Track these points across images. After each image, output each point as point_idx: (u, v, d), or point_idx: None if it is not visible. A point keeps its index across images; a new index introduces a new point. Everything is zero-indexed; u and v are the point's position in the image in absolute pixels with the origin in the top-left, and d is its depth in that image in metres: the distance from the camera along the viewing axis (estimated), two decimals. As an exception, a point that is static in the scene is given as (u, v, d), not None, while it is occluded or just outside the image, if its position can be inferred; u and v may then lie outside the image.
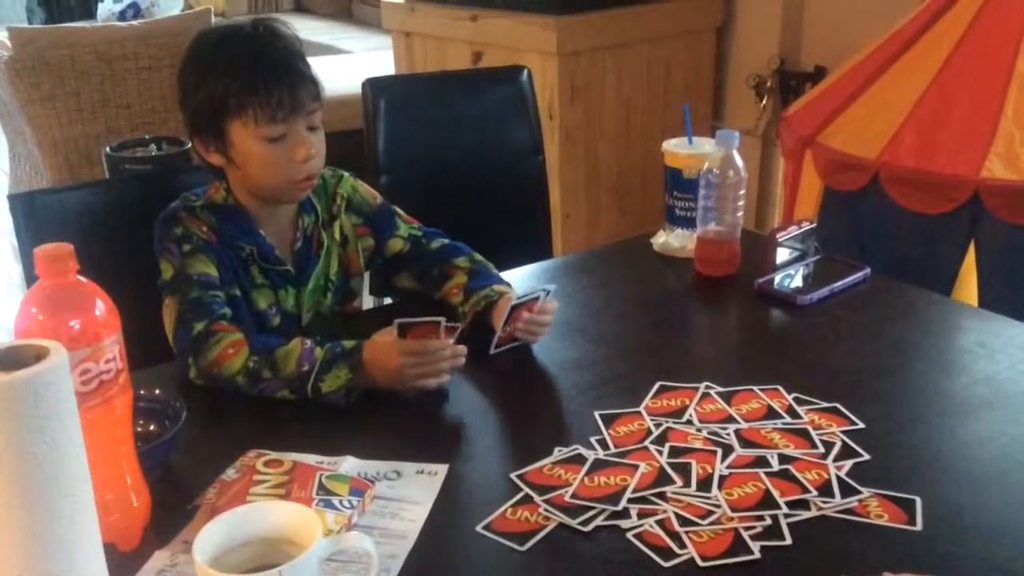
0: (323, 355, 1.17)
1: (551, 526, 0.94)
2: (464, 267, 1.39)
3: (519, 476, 1.01)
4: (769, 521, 0.94)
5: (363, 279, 1.48)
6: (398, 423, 1.15)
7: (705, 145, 1.56)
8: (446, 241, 1.44)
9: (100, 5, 5.60)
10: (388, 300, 1.67)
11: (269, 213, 1.35)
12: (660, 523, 0.94)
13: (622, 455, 1.05)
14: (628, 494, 0.97)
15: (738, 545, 0.91)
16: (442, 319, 1.17)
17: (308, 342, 1.20)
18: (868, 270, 1.49)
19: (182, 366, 1.21)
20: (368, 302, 1.64)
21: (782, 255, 1.50)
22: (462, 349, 1.19)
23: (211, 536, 0.77)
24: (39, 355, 0.73)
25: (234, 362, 1.18)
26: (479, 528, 0.94)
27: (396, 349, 1.16)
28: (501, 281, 1.38)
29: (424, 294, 1.42)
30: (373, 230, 1.43)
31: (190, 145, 1.36)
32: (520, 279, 1.54)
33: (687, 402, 1.14)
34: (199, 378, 1.20)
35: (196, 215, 1.30)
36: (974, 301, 1.86)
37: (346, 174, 1.43)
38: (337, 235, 1.40)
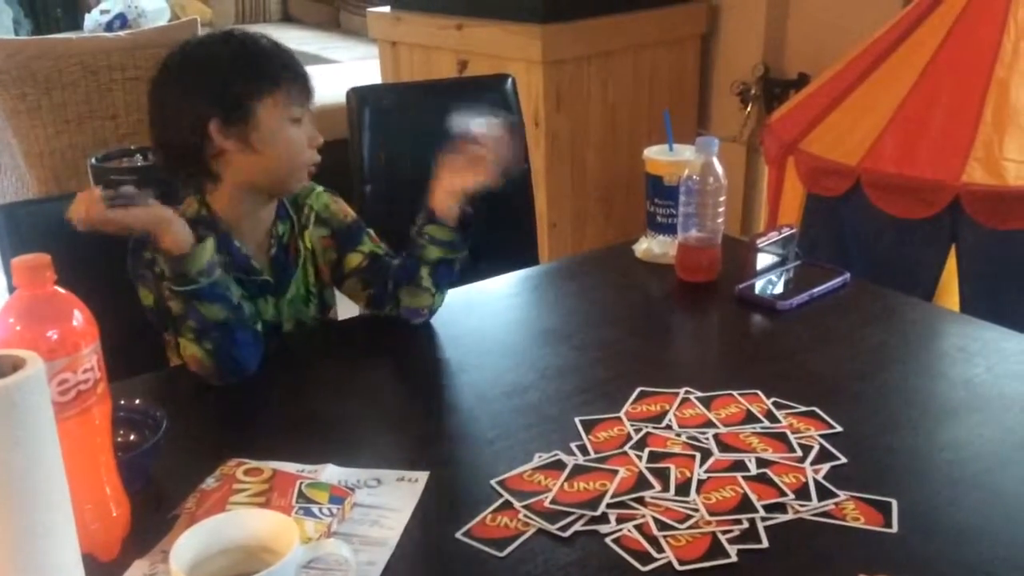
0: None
1: (530, 532, 0.95)
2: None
3: (499, 482, 1.02)
4: (746, 524, 0.94)
5: (333, 292, 1.47)
6: (379, 431, 1.16)
7: (685, 152, 1.57)
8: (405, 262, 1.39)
9: (87, 16, 5.60)
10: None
11: (247, 222, 1.35)
12: (638, 528, 0.94)
13: (602, 460, 1.05)
14: (607, 499, 0.98)
15: (715, 549, 0.91)
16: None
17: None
18: (848, 275, 1.50)
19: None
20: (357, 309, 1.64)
21: (763, 261, 1.51)
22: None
23: (188, 544, 0.77)
24: (16, 365, 0.73)
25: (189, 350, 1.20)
26: (459, 535, 0.94)
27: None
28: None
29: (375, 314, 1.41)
30: (338, 244, 1.42)
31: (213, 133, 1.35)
32: (506, 287, 1.55)
33: (667, 407, 1.15)
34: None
35: None
36: (956, 306, 1.88)
37: (319, 188, 1.43)
38: (308, 245, 1.41)
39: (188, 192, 1.36)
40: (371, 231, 1.45)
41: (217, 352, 1.20)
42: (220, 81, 1.29)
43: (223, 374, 1.21)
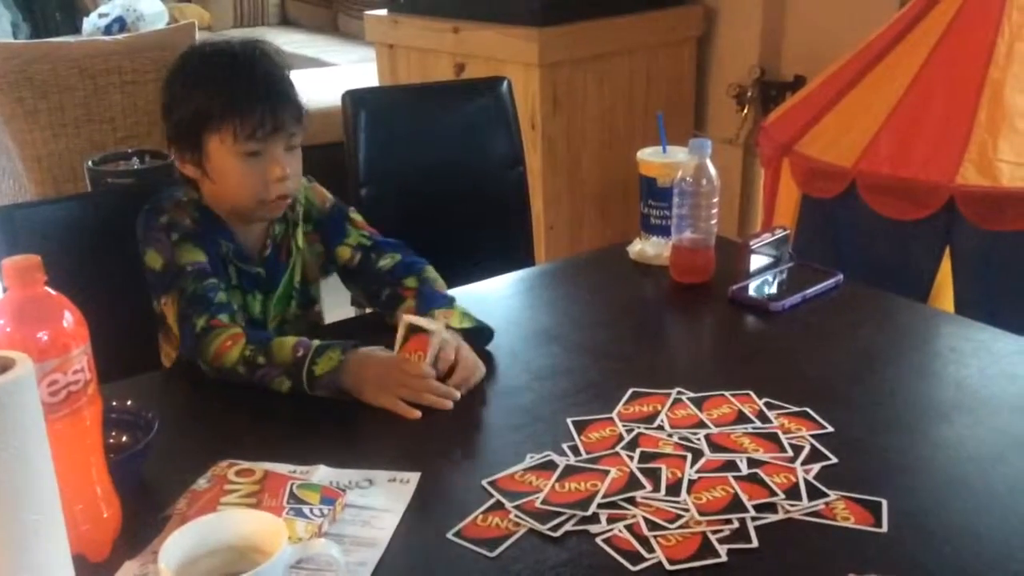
0: (318, 343, 1.19)
1: (521, 532, 0.95)
2: (412, 288, 1.35)
3: (490, 483, 1.02)
4: (736, 524, 0.94)
5: (319, 285, 1.48)
6: (371, 432, 1.16)
7: (679, 154, 1.57)
8: (398, 257, 1.39)
9: (85, 20, 5.60)
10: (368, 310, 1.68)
11: (241, 222, 1.36)
12: (629, 528, 0.95)
13: (593, 461, 1.05)
14: (598, 499, 0.98)
15: (705, 548, 0.92)
16: (434, 325, 1.19)
17: (304, 338, 1.21)
18: (841, 276, 1.50)
19: (192, 358, 1.23)
20: (350, 312, 1.64)
21: (756, 262, 1.51)
22: (454, 395, 1.18)
23: (178, 545, 0.77)
24: (5, 366, 0.74)
25: (232, 353, 1.20)
26: (450, 535, 0.95)
27: (393, 359, 1.18)
28: (444, 301, 1.32)
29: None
30: (322, 236, 1.42)
31: (173, 158, 1.36)
32: (499, 288, 1.55)
33: (659, 408, 1.15)
34: (210, 372, 1.22)
35: (181, 207, 1.32)
36: (951, 307, 1.88)
37: (304, 181, 1.42)
38: (300, 244, 1.41)
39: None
40: (354, 215, 1.44)
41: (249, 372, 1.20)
42: (176, 110, 1.29)
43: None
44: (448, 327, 1.24)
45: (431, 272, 1.39)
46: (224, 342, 1.20)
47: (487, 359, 1.30)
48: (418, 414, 1.15)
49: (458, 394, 1.18)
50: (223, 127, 1.25)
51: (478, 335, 1.30)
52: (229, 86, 1.26)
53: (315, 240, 1.43)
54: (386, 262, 1.39)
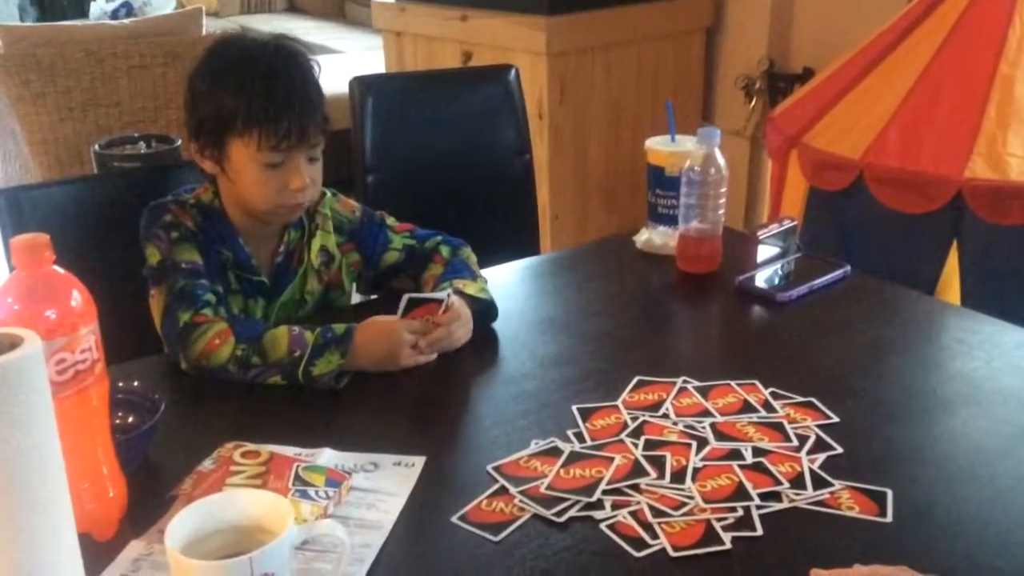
0: (314, 340, 1.19)
1: (525, 517, 0.95)
2: (444, 258, 1.41)
3: (495, 468, 1.02)
4: (741, 512, 0.95)
5: (346, 294, 1.47)
6: (377, 416, 1.16)
7: (687, 143, 1.57)
8: (439, 238, 1.44)
9: (92, 4, 5.60)
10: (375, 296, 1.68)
11: (254, 225, 1.35)
12: (633, 514, 0.95)
13: (598, 448, 1.05)
14: (603, 486, 0.98)
15: (709, 536, 0.92)
16: (445, 295, 1.24)
17: (296, 328, 1.21)
18: (848, 268, 1.50)
19: (172, 357, 1.23)
20: (356, 298, 1.64)
21: (763, 253, 1.51)
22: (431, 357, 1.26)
23: (183, 524, 0.77)
24: (13, 343, 0.73)
25: (222, 351, 1.19)
26: (454, 519, 0.95)
27: (402, 329, 1.21)
28: (469, 275, 1.36)
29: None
30: (359, 245, 1.43)
31: (179, 143, 1.36)
32: (505, 276, 1.55)
33: (664, 396, 1.15)
34: (191, 369, 1.21)
35: (185, 209, 1.32)
36: (958, 301, 1.88)
37: (328, 193, 1.42)
38: (315, 253, 1.40)
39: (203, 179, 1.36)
40: (389, 219, 1.46)
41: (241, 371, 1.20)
42: (201, 107, 1.28)
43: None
44: (459, 292, 1.29)
45: (467, 251, 1.44)
46: (212, 340, 1.19)
47: (492, 344, 1.31)
48: (433, 356, 1.24)
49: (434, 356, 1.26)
50: (247, 134, 1.24)
51: (486, 313, 1.34)
52: (257, 94, 1.24)
53: (350, 250, 1.43)
54: (430, 244, 1.44)
